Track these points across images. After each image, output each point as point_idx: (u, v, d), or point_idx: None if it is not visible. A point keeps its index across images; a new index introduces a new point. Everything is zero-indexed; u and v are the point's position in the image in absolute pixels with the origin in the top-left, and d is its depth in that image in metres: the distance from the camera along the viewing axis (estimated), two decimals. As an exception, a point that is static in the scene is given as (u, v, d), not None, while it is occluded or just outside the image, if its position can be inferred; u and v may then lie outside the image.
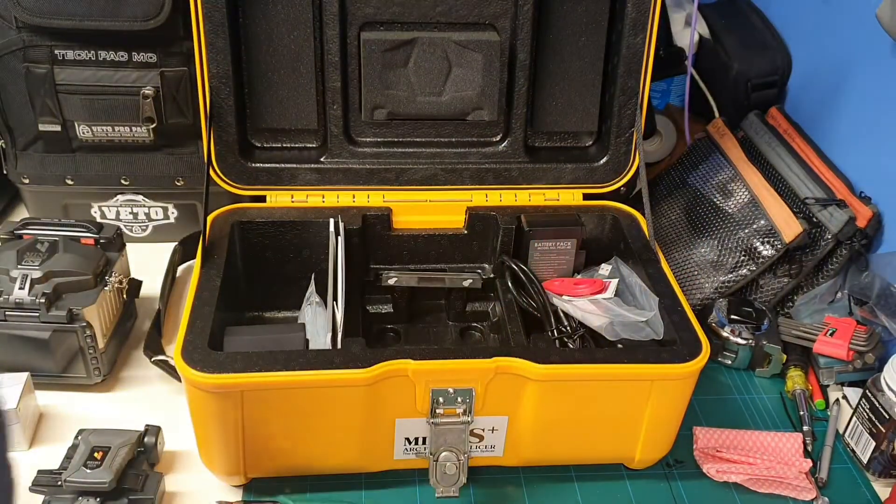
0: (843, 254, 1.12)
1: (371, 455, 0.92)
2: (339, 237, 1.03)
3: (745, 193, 1.18)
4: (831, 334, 1.09)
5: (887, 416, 0.95)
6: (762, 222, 1.14)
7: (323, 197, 1.10)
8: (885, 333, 1.08)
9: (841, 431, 1.04)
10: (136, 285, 1.12)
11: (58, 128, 1.16)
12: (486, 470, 0.97)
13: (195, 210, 1.26)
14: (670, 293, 0.98)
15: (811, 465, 0.99)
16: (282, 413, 0.86)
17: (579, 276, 1.10)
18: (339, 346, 0.92)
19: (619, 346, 0.98)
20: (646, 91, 1.08)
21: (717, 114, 1.39)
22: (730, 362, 1.13)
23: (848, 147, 1.20)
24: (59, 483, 0.86)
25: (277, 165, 1.09)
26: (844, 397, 1.09)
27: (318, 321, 1.00)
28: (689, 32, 1.35)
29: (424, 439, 0.91)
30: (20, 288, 0.96)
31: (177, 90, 1.15)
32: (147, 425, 0.94)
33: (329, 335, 0.93)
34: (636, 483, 0.97)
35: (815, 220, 1.12)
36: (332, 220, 1.05)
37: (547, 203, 1.13)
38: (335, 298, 0.97)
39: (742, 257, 1.15)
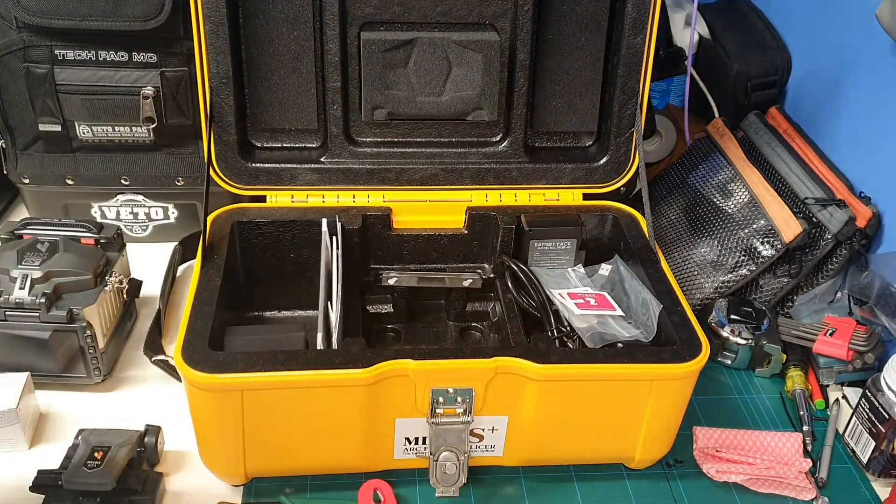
0: (842, 254, 1.12)
1: (371, 455, 0.92)
2: (335, 237, 1.03)
3: (745, 193, 1.18)
4: (831, 334, 1.09)
5: (887, 416, 0.95)
6: (762, 222, 1.14)
7: (323, 197, 1.10)
8: (884, 333, 1.08)
9: (841, 431, 1.04)
10: (136, 285, 1.12)
11: (58, 128, 1.16)
12: (486, 470, 0.97)
13: (195, 210, 1.26)
14: (670, 293, 0.98)
15: (811, 464, 0.99)
16: (282, 413, 0.86)
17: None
18: (333, 346, 0.92)
19: (619, 345, 0.98)
20: (646, 91, 1.08)
21: (717, 114, 1.39)
22: (730, 362, 1.13)
23: (848, 147, 1.20)
24: (59, 483, 0.86)
25: (277, 165, 1.09)
26: (844, 397, 1.09)
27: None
28: (689, 32, 1.35)
29: (424, 439, 0.91)
30: (20, 288, 0.96)
31: (177, 90, 1.15)
32: (147, 425, 0.94)
33: (320, 335, 0.93)
34: (636, 483, 0.97)
35: (814, 220, 1.12)
36: (324, 221, 1.05)
37: (547, 203, 1.13)
38: (329, 299, 0.97)
39: (742, 257, 1.15)
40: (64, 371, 1.01)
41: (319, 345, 0.92)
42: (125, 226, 1.27)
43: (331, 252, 1.01)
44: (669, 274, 1.01)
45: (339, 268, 0.99)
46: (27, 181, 1.21)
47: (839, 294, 1.14)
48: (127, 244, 1.11)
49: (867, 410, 0.98)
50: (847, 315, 1.12)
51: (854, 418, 1.01)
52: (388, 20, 1.04)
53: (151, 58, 1.13)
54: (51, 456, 0.93)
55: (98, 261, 1.02)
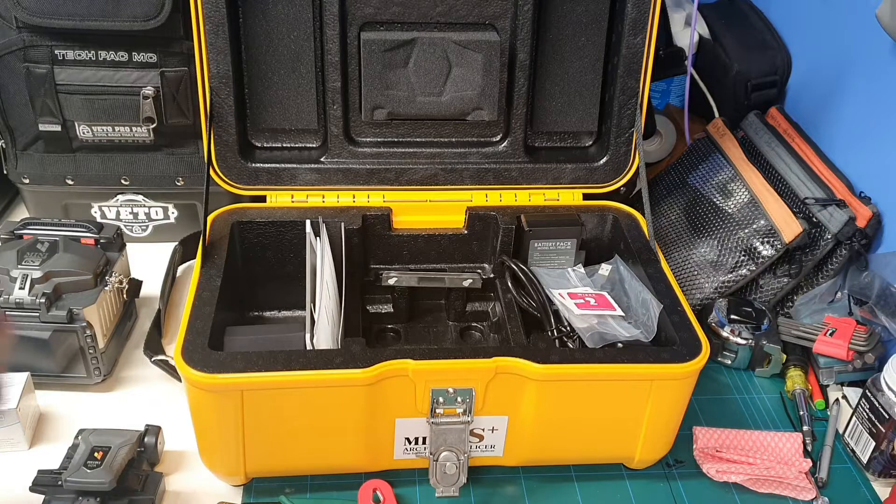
0: (842, 254, 1.12)
1: (371, 455, 0.92)
2: (320, 238, 1.03)
3: (745, 193, 1.18)
4: (831, 334, 1.09)
5: (887, 416, 0.95)
6: (762, 222, 1.14)
7: (323, 197, 1.10)
8: (884, 333, 1.08)
9: (841, 431, 1.04)
10: (136, 285, 1.12)
11: (58, 128, 1.16)
12: (486, 470, 0.97)
13: (195, 210, 1.26)
14: (670, 293, 0.98)
15: (811, 464, 0.99)
16: (282, 413, 0.86)
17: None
18: (316, 346, 0.92)
19: (619, 345, 0.98)
20: (646, 91, 1.08)
21: (717, 114, 1.39)
22: (730, 362, 1.13)
23: (848, 147, 1.20)
24: (60, 483, 0.86)
25: (277, 165, 1.09)
26: (844, 397, 1.09)
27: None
28: (689, 32, 1.35)
29: (424, 439, 0.91)
30: (20, 288, 0.96)
31: (177, 90, 1.15)
32: (147, 425, 0.94)
33: (308, 336, 0.93)
34: (636, 483, 0.97)
35: (814, 220, 1.12)
36: (307, 222, 1.05)
37: (547, 203, 1.13)
38: (313, 301, 0.96)
39: (742, 257, 1.15)
40: (64, 371, 1.01)
41: (308, 345, 0.92)
42: (125, 226, 1.27)
43: (317, 253, 1.01)
44: (669, 274, 1.01)
45: (326, 268, 0.98)
46: (27, 181, 1.21)
47: (839, 294, 1.14)
48: (127, 244, 1.11)
49: (867, 410, 0.98)
50: (847, 315, 1.12)
51: (854, 418, 1.01)
52: (388, 20, 1.04)
53: (151, 58, 1.13)
54: (51, 456, 0.93)
55: (98, 261, 1.02)
